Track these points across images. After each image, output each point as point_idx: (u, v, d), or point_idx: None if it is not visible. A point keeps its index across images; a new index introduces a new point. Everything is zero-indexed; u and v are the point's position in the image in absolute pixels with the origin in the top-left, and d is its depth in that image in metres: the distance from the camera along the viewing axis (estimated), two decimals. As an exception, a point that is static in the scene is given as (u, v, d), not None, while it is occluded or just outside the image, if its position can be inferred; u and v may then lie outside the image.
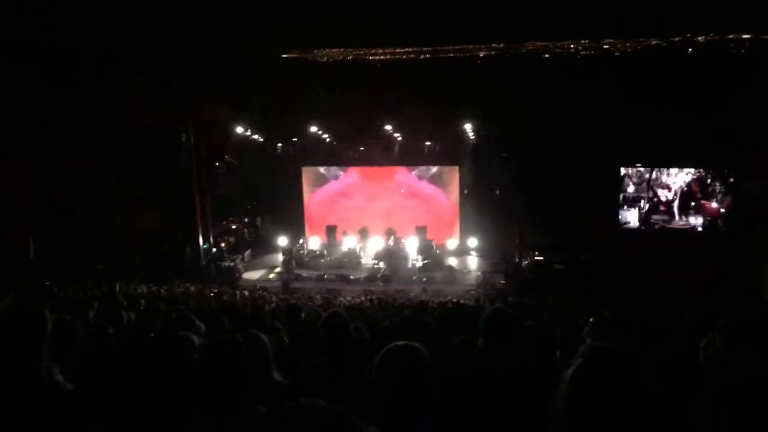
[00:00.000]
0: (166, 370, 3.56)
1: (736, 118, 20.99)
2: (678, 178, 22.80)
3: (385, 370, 2.49)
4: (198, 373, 3.24)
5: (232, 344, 3.12)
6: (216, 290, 19.21)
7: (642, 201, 23.28)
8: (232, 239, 27.48)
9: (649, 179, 23.05)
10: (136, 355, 4.31)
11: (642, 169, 23.09)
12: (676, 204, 22.86)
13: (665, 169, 22.72)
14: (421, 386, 2.44)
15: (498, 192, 26.03)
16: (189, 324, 5.38)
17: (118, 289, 15.89)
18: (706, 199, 22.36)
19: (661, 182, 22.95)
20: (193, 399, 3.03)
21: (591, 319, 3.87)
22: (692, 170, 22.55)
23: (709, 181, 22.42)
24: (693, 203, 22.63)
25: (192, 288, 19.27)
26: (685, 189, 22.65)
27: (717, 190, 22.33)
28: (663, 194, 22.98)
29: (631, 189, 23.39)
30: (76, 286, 15.79)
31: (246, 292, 19.65)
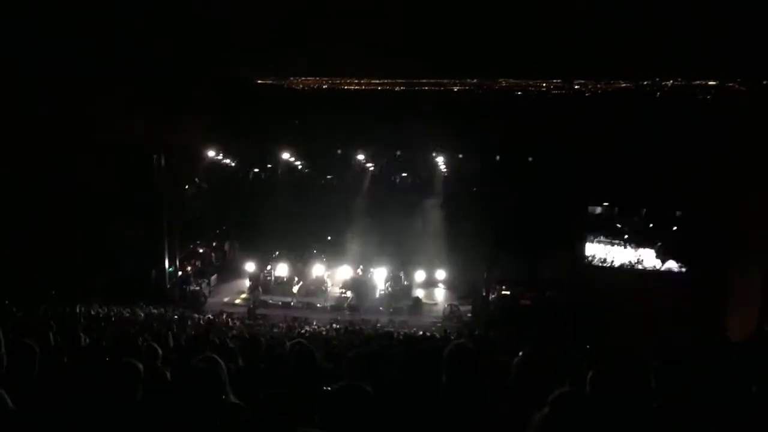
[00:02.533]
0: (112, 396, 3.53)
1: (699, 162, 21.49)
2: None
3: (331, 411, 2.48)
4: (162, 400, 3.23)
5: (200, 374, 3.14)
6: (178, 314, 18.91)
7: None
8: (198, 263, 27.15)
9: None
10: (87, 380, 4.24)
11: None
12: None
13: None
14: (366, 428, 2.43)
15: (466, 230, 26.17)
16: (144, 349, 5.29)
17: (78, 310, 15.58)
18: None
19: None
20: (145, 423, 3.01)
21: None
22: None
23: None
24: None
25: (155, 311, 18.97)
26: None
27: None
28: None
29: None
30: (35, 307, 15.43)
31: (210, 317, 19.40)
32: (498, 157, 25.33)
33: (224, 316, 20.49)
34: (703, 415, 2.49)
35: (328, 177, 28.37)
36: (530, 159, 26.81)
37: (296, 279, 25.30)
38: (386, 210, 27.57)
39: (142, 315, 17.45)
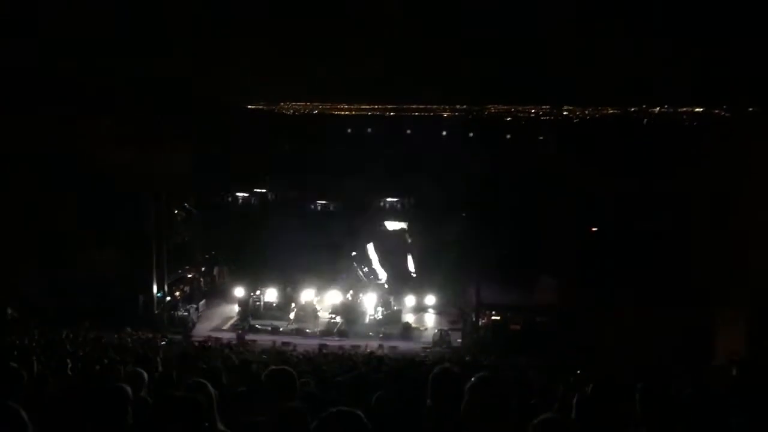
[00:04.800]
0: (102, 421, 3.51)
1: (684, 185, 21.71)
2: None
3: None
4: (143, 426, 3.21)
5: (184, 401, 3.13)
6: (165, 340, 18.75)
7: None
8: (187, 288, 26.95)
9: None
10: (75, 405, 4.20)
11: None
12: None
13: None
14: None
15: (452, 251, 26.31)
16: (130, 374, 5.24)
17: (65, 335, 15.45)
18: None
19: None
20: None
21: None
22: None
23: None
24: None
25: (143, 336, 18.82)
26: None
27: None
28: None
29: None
30: (23, 330, 15.31)
31: (197, 343, 19.25)
32: (487, 182, 25.49)
33: (210, 343, 20.31)
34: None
35: (319, 202, 28.36)
36: (520, 183, 27.04)
37: (293, 305, 25.16)
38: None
39: (129, 341, 17.29)
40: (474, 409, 2.96)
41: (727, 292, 19.88)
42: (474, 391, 3.03)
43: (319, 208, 28.12)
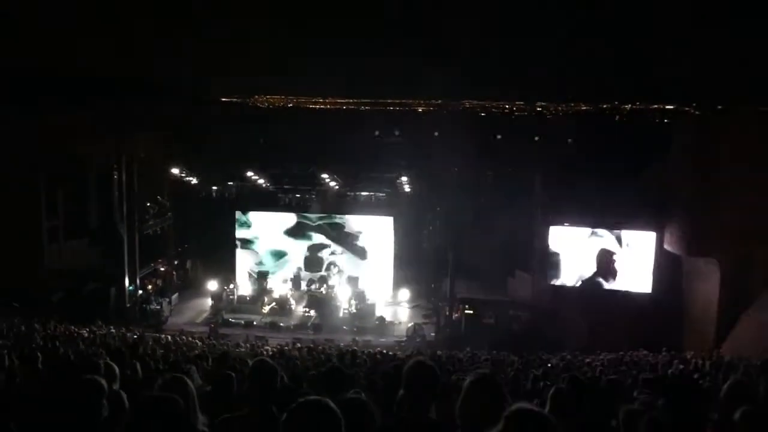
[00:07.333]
0: (75, 413, 3.48)
1: (656, 182, 22.04)
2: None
3: (294, 428, 2.44)
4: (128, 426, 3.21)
5: (165, 400, 3.12)
6: (138, 333, 18.56)
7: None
8: (159, 281, 26.72)
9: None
10: (47, 398, 4.17)
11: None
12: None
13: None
14: None
15: (427, 245, 26.45)
16: (102, 368, 5.20)
17: (35, 329, 15.23)
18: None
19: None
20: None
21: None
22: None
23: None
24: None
25: (114, 330, 18.61)
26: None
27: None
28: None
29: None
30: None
31: (169, 337, 19.10)
32: (461, 177, 25.53)
33: (185, 336, 20.17)
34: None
35: (294, 195, 28.17)
36: (494, 179, 27.19)
37: (266, 298, 25.06)
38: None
39: (101, 334, 17.10)
40: (471, 407, 2.99)
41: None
42: (472, 388, 3.05)
43: (293, 202, 27.92)
